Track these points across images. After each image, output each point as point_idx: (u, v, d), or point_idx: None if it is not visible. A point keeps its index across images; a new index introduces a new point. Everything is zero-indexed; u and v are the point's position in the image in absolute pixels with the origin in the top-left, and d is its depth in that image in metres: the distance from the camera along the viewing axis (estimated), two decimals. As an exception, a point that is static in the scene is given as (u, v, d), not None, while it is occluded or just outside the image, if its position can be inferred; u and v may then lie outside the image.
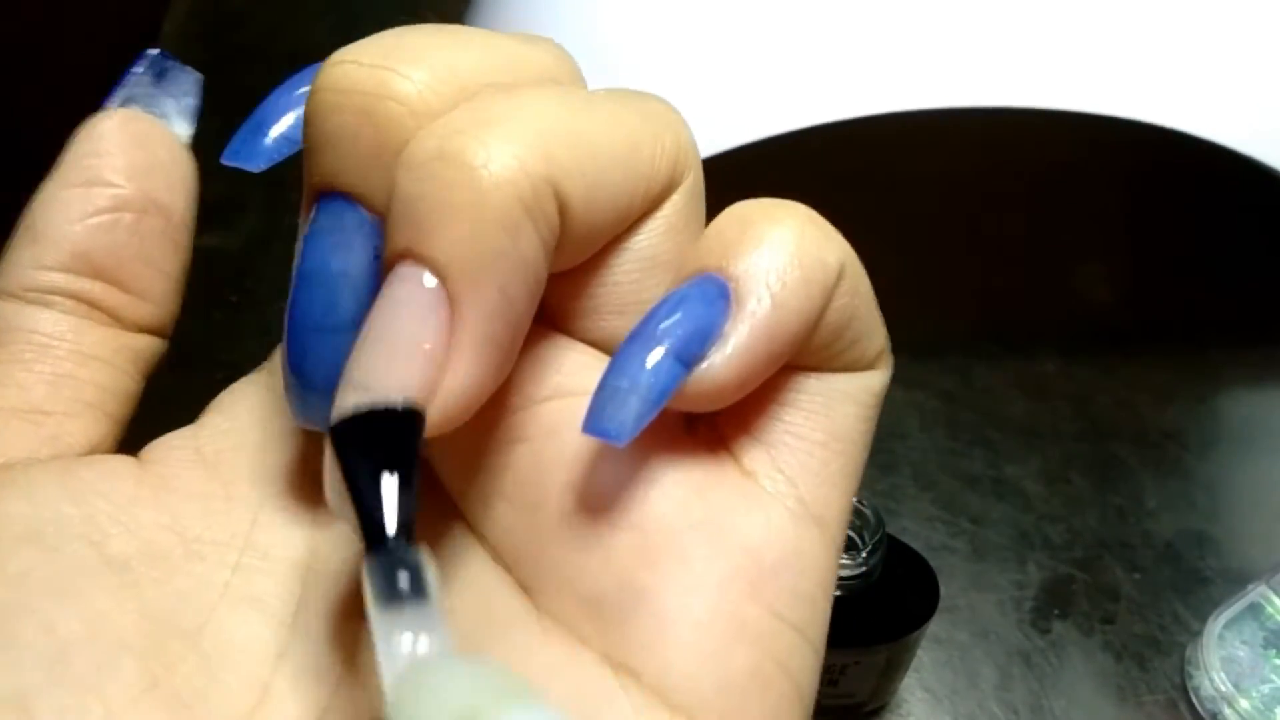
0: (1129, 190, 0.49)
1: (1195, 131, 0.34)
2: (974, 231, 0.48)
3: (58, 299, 0.17)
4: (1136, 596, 0.38)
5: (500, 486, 0.16)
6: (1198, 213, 0.49)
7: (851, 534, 0.30)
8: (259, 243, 0.47)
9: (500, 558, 0.16)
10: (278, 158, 0.17)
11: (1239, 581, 0.37)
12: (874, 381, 0.17)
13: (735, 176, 0.38)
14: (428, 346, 0.14)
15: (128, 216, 0.18)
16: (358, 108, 0.15)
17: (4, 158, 0.45)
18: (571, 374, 0.16)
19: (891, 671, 0.33)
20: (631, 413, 0.14)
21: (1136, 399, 0.43)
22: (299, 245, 0.16)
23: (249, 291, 0.46)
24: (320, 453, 0.14)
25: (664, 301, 0.15)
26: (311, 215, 0.15)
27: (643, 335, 0.15)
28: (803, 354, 0.16)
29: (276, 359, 0.18)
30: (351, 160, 0.15)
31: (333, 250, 0.15)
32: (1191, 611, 0.38)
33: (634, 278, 0.16)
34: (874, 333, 0.17)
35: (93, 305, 0.18)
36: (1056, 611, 0.38)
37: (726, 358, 0.15)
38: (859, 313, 0.16)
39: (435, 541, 0.16)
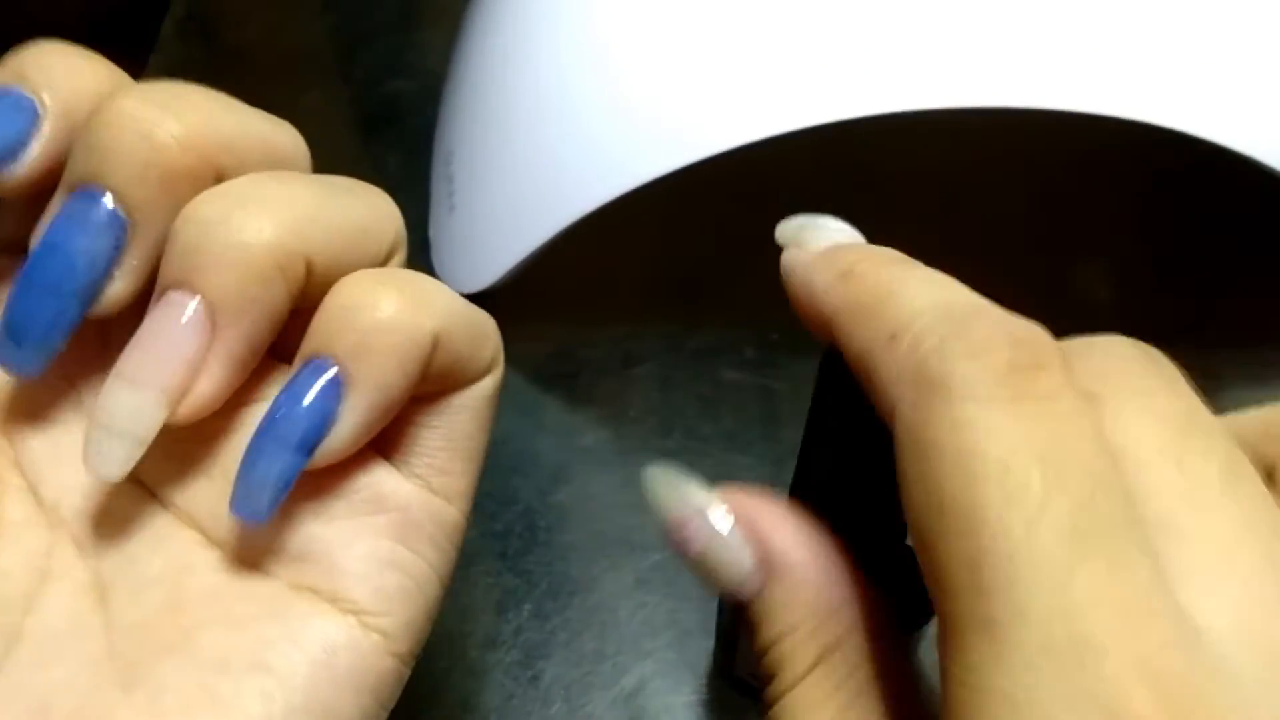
0: (1128, 190, 0.49)
1: (1195, 131, 0.34)
2: (974, 231, 0.48)
3: None
4: (1136, 597, 0.38)
5: (203, 468, 0.21)
6: (1198, 213, 0.48)
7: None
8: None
9: (194, 522, 0.20)
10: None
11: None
12: (484, 389, 0.21)
13: (736, 176, 0.38)
14: (190, 355, 0.18)
15: None
16: (141, 130, 0.18)
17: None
18: (268, 387, 0.21)
19: (891, 672, 0.33)
20: (266, 501, 0.19)
21: (1136, 399, 0.43)
22: (48, 221, 0.19)
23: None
24: None
25: (286, 393, 0.19)
26: (68, 199, 0.19)
27: (271, 432, 0.19)
28: (415, 397, 0.20)
29: None
30: (124, 168, 0.18)
31: (83, 230, 0.19)
32: (1191, 612, 0.38)
33: None
34: (478, 357, 0.21)
35: None
36: (1056, 612, 0.38)
37: (341, 437, 0.19)
38: (461, 355, 0.20)
39: (135, 517, 0.20)
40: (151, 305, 0.19)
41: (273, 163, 0.20)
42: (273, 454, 0.19)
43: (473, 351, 0.21)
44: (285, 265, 0.19)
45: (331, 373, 0.19)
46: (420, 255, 0.46)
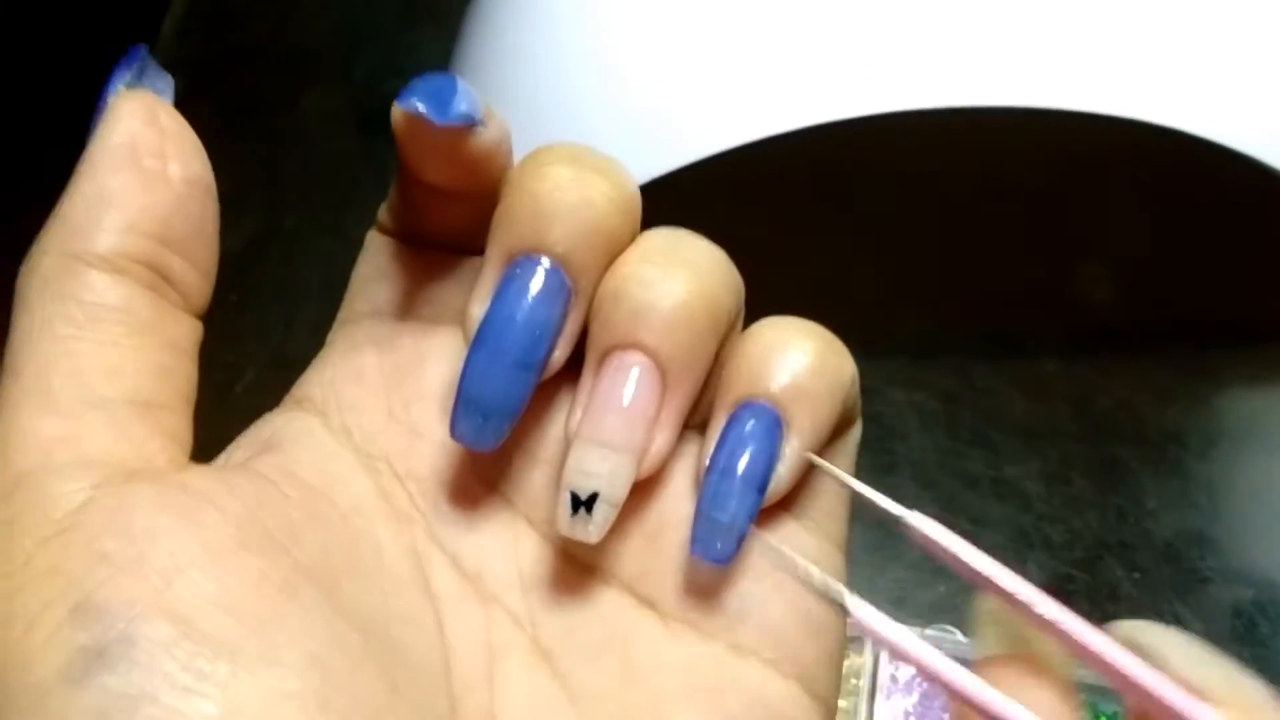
0: (1129, 190, 0.49)
1: (1195, 131, 0.34)
2: (974, 231, 0.48)
3: (136, 269, 0.17)
4: (1136, 596, 0.38)
5: (630, 527, 0.20)
6: (1198, 213, 0.49)
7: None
8: (259, 243, 0.47)
9: (624, 583, 0.20)
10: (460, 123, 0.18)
11: (1239, 581, 0.37)
12: (856, 434, 0.21)
13: (736, 176, 0.38)
14: (651, 414, 0.19)
15: (198, 193, 0.18)
16: (583, 198, 0.19)
17: (4, 154, 0.45)
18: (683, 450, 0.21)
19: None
20: (733, 541, 0.19)
21: (1136, 399, 0.43)
22: (496, 290, 0.19)
23: (249, 291, 0.46)
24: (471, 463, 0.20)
25: (732, 433, 0.19)
26: (516, 268, 0.19)
27: (728, 470, 0.19)
28: None
29: (312, 394, 0.21)
30: (574, 237, 0.19)
31: (541, 303, 0.19)
32: (1191, 611, 0.38)
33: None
34: (859, 400, 0.21)
35: (167, 282, 0.18)
36: (1056, 611, 0.38)
37: (784, 478, 0.19)
38: (857, 397, 0.21)
39: (564, 581, 0.20)
40: (598, 364, 0.19)
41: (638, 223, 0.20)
42: (742, 493, 0.19)
43: (858, 394, 0.21)
44: (719, 320, 0.19)
45: (773, 414, 0.19)
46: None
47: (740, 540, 0.19)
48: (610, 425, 0.18)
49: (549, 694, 0.19)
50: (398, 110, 0.18)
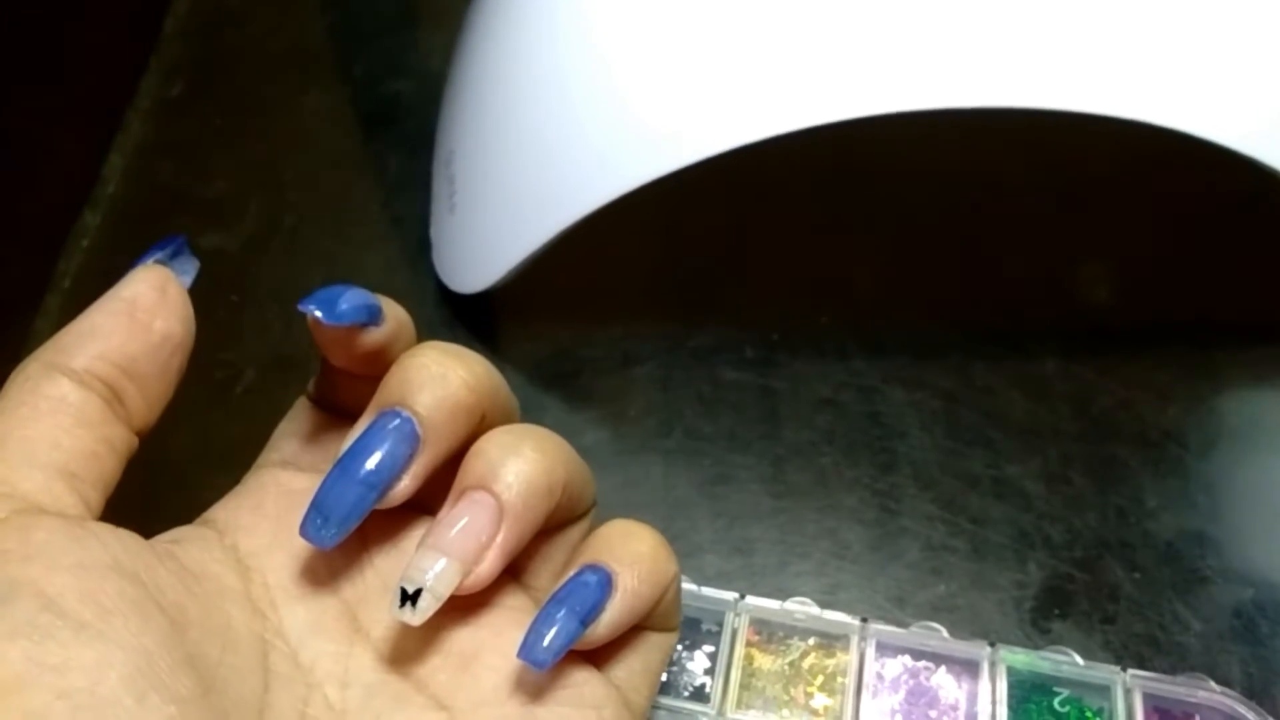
0: (1129, 190, 0.49)
1: (1195, 131, 0.34)
2: (974, 231, 0.48)
3: (98, 385, 0.23)
4: (1136, 596, 0.38)
5: (441, 646, 0.26)
6: (1197, 213, 0.49)
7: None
8: (259, 243, 0.47)
9: (431, 695, 0.25)
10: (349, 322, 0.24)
11: (1239, 581, 0.37)
12: (672, 640, 0.27)
13: (736, 177, 0.38)
14: (485, 539, 0.24)
15: (169, 347, 0.24)
16: (442, 374, 0.24)
17: (3, 153, 0.45)
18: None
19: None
20: (552, 652, 0.24)
21: (1136, 399, 0.43)
22: (363, 428, 0.24)
23: (249, 291, 0.46)
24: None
25: (573, 580, 0.25)
26: (381, 416, 0.24)
27: (564, 600, 0.24)
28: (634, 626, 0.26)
29: (261, 488, 0.27)
30: (431, 401, 0.24)
31: (394, 441, 0.24)
32: (1191, 611, 0.38)
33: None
34: (679, 611, 0.27)
35: (119, 401, 0.23)
36: (1057, 611, 0.38)
37: (606, 623, 0.24)
38: (678, 602, 0.27)
39: (378, 683, 0.25)
40: (455, 499, 0.24)
41: (511, 410, 0.26)
42: (567, 617, 0.24)
43: (679, 605, 0.27)
44: (554, 488, 0.25)
45: (607, 573, 0.25)
46: (421, 256, 0.47)
47: (557, 653, 0.24)
48: (448, 537, 0.23)
49: None
50: (300, 310, 0.23)
